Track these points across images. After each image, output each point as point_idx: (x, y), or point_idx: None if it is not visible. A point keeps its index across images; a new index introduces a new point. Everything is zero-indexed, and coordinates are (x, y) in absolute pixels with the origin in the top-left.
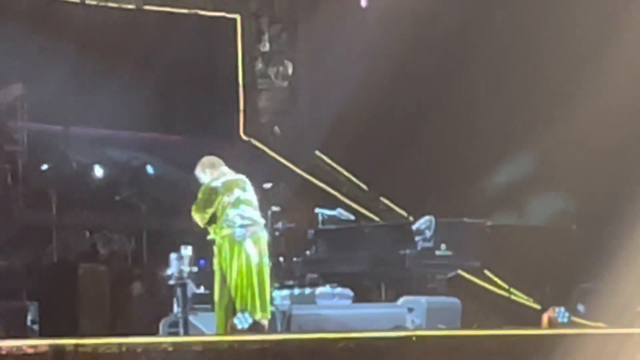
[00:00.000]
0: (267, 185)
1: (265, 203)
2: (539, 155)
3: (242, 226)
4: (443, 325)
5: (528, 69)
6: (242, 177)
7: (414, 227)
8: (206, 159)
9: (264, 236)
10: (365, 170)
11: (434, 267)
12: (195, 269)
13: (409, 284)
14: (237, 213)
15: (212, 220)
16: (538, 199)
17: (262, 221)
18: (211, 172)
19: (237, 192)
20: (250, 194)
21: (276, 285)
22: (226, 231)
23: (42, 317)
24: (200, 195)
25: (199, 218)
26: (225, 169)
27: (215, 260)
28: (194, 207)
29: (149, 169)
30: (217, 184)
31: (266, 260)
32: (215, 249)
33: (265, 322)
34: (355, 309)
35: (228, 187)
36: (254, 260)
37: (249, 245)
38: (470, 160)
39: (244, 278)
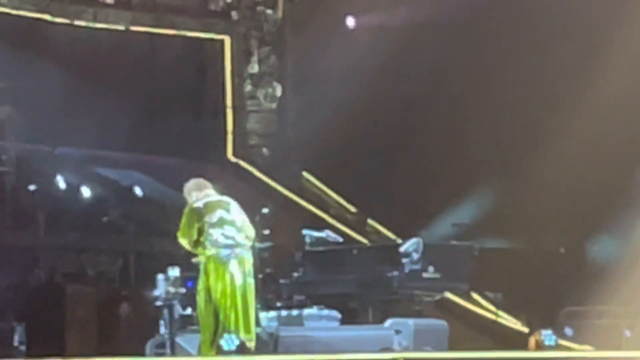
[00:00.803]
0: (265, 210)
1: (255, 224)
2: (527, 179)
3: (227, 246)
4: (430, 348)
5: (515, 92)
6: (227, 198)
7: (402, 249)
8: (192, 182)
9: (248, 258)
10: (353, 192)
11: (422, 289)
12: (182, 290)
13: (397, 306)
14: (220, 233)
15: (197, 241)
16: (526, 222)
17: (246, 242)
18: (196, 194)
19: (219, 213)
20: (234, 215)
21: (264, 306)
22: (210, 251)
23: (29, 338)
24: (183, 218)
25: (184, 240)
26: (210, 191)
27: (200, 281)
28: (179, 231)
29: (137, 190)
30: (199, 204)
31: (250, 281)
32: (200, 269)
33: (251, 344)
34: (342, 331)
35: (210, 207)
36: (238, 281)
37: (233, 266)
38: (458, 182)
39: (228, 299)
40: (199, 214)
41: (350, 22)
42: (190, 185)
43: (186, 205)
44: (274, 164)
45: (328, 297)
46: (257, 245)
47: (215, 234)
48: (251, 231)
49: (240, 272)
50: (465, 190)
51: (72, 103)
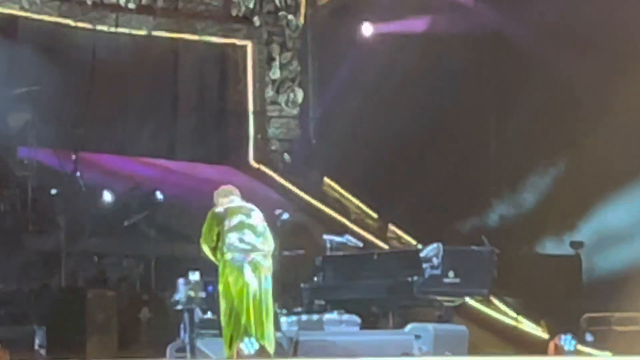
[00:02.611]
0: (285, 216)
1: (275, 230)
2: (548, 184)
3: (241, 251)
4: (450, 353)
5: (536, 99)
6: (250, 205)
7: (422, 254)
8: (221, 189)
9: (265, 263)
10: (374, 197)
11: (442, 294)
12: (203, 294)
13: (417, 311)
14: (237, 237)
15: (216, 247)
16: (547, 226)
17: (265, 248)
18: (222, 200)
19: (239, 217)
20: (255, 220)
21: (284, 311)
22: (227, 256)
23: (50, 342)
24: (205, 223)
25: (205, 246)
26: (235, 197)
27: (220, 285)
28: (201, 236)
29: (158, 195)
30: (220, 209)
31: (267, 288)
32: (219, 272)
33: (270, 349)
34: (362, 336)
35: (231, 212)
36: (252, 286)
37: (247, 271)
38: (478, 188)
39: (243, 303)
40: (218, 219)
41: (370, 29)
42: (219, 192)
43: (207, 209)
44: (295, 170)
45: (348, 302)
46: (286, 253)
47: (232, 237)
48: (272, 238)
49: (255, 278)
50: (486, 196)
51: (94, 108)
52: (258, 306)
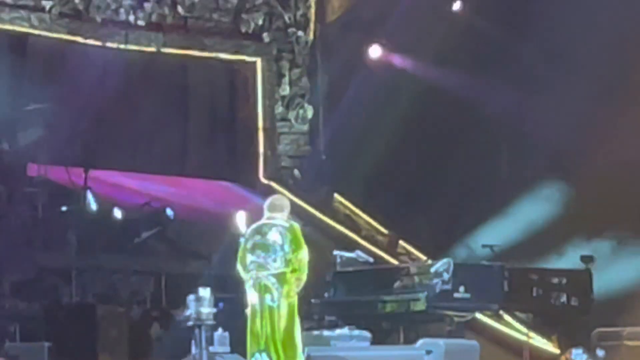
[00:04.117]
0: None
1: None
2: (557, 199)
3: (251, 271)
4: None
5: (545, 115)
6: (273, 222)
7: (433, 269)
8: (269, 200)
9: (271, 281)
10: (384, 213)
11: (453, 309)
12: (213, 310)
13: (427, 326)
14: (251, 259)
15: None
16: (557, 241)
17: (275, 266)
18: (265, 213)
19: (256, 238)
20: (271, 238)
21: None
22: (245, 276)
23: (60, 358)
24: None
25: (239, 265)
26: (271, 213)
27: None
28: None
29: (169, 212)
30: (248, 230)
31: (271, 305)
32: None
33: None
34: (373, 351)
35: (252, 232)
36: (257, 305)
37: (254, 291)
38: (488, 204)
39: (255, 322)
40: (245, 240)
41: (378, 50)
42: (267, 203)
43: (220, 226)
44: (305, 186)
45: (358, 317)
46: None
47: (250, 258)
48: (287, 258)
49: (259, 296)
50: (496, 212)
51: (104, 124)
52: (268, 324)
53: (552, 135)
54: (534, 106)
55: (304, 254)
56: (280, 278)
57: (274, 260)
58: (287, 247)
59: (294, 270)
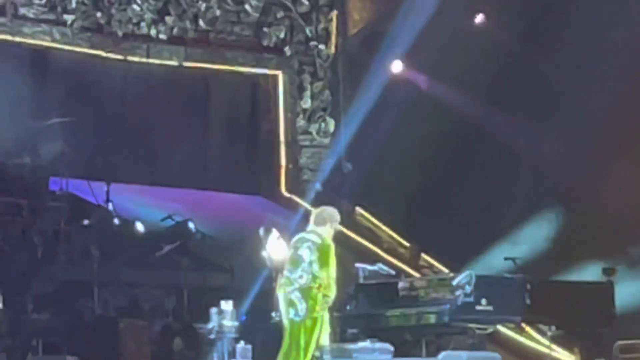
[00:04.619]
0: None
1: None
2: (580, 211)
3: (282, 286)
4: None
5: (572, 125)
6: (308, 235)
7: (455, 282)
8: (315, 212)
9: (296, 296)
10: (406, 226)
11: (474, 321)
12: (235, 323)
13: (450, 338)
14: (286, 273)
15: None
16: (578, 254)
17: (301, 281)
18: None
19: (291, 252)
20: (300, 253)
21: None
22: (279, 289)
23: None
24: None
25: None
26: (315, 227)
27: None
28: None
29: (190, 225)
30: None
31: (294, 319)
32: None
33: None
34: None
35: (291, 246)
36: (284, 318)
37: (281, 303)
38: (510, 216)
39: (285, 336)
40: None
41: (399, 65)
42: (313, 214)
43: (240, 238)
44: (327, 199)
45: (381, 330)
46: None
47: (285, 273)
48: (313, 273)
49: (285, 309)
50: (518, 224)
51: (125, 138)
52: (294, 337)
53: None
54: (545, 133)
55: (332, 271)
56: (305, 293)
57: (300, 277)
58: (314, 264)
59: (320, 287)
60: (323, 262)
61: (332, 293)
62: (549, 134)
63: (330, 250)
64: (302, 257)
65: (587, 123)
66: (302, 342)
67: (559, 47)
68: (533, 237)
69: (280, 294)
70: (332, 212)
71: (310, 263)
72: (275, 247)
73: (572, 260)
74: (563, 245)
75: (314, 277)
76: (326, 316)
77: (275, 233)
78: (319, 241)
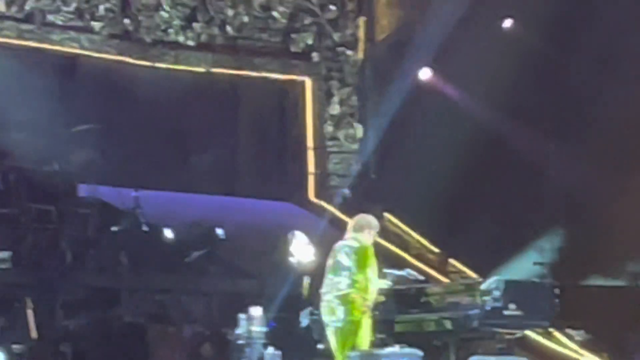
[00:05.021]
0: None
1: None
2: (609, 216)
3: (324, 294)
4: None
5: (599, 129)
6: (346, 242)
7: (483, 287)
8: (354, 220)
9: (335, 303)
10: (434, 232)
11: (503, 326)
12: (264, 329)
13: (478, 343)
14: (326, 280)
15: None
16: (608, 257)
17: (340, 287)
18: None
19: (330, 259)
20: (339, 259)
21: None
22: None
23: None
24: None
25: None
26: (352, 233)
27: None
28: None
29: (219, 232)
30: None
31: (335, 325)
32: None
33: None
34: None
35: (330, 255)
36: (325, 324)
37: (324, 311)
38: (539, 221)
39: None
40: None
41: (427, 72)
42: (351, 223)
43: (269, 245)
44: (355, 205)
45: (409, 336)
46: None
47: (326, 280)
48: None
49: (326, 315)
50: (547, 228)
51: (154, 144)
52: (336, 343)
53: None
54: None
55: (370, 274)
56: (344, 299)
57: (339, 282)
58: (353, 268)
59: (359, 290)
60: (360, 265)
61: (371, 296)
62: (576, 142)
63: (367, 253)
64: (341, 263)
65: (613, 133)
66: (341, 347)
67: (588, 53)
68: (560, 243)
69: (322, 300)
70: (370, 219)
71: (349, 267)
72: (303, 253)
73: (600, 265)
74: (591, 251)
75: (353, 282)
76: (366, 321)
77: (303, 239)
78: (356, 245)
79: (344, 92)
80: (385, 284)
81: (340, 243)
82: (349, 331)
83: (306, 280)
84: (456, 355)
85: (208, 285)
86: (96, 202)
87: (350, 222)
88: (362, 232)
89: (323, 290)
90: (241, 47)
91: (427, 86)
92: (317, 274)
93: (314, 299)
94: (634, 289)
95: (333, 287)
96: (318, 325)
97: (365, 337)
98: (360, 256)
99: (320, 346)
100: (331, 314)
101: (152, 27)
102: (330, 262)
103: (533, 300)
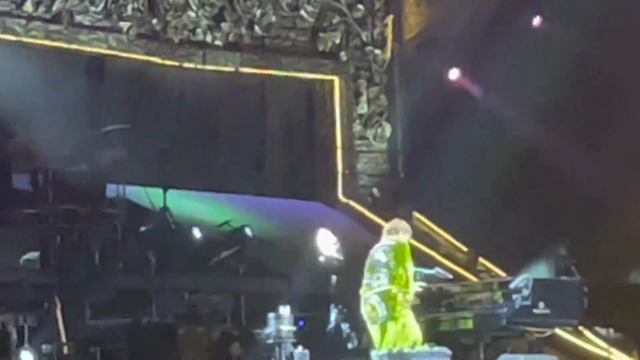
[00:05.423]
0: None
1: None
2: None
3: (362, 293)
4: None
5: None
6: (383, 243)
7: (512, 285)
8: (388, 225)
9: (375, 299)
10: (463, 231)
11: (532, 325)
12: (293, 328)
13: (507, 342)
14: (364, 281)
15: None
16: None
17: (379, 283)
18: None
19: (367, 260)
20: (377, 258)
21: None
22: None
23: None
24: None
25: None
26: (389, 236)
27: None
28: None
29: (247, 231)
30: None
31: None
32: None
33: None
34: None
35: (367, 257)
36: (366, 322)
37: (362, 308)
38: (567, 219)
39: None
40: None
41: (456, 72)
42: (386, 227)
43: (295, 243)
44: (384, 204)
45: (438, 334)
46: None
47: (363, 282)
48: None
49: (365, 312)
50: (575, 227)
51: (182, 144)
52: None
53: None
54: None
55: (409, 268)
56: (384, 296)
57: (378, 278)
58: (391, 264)
59: (400, 286)
60: (399, 261)
61: (412, 291)
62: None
63: (405, 249)
64: (379, 261)
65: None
66: (386, 343)
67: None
68: (589, 241)
69: (361, 299)
70: (403, 223)
71: (387, 264)
72: (332, 252)
73: (628, 264)
74: (620, 249)
75: (392, 278)
76: (410, 316)
77: (332, 238)
78: (392, 243)
79: (372, 91)
80: (419, 285)
81: (377, 245)
82: (392, 327)
83: (334, 279)
84: (485, 354)
85: (237, 284)
86: (124, 202)
87: (385, 226)
88: (397, 234)
89: (362, 290)
90: (269, 46)
91: (455, 85)
92: (345, 273)
93: (342, 298)
94: None
95: (373, 286)
96: (350, 324)
97: (410, 332)
98: (398, 253)
99: (349, 345)
100: (373, 312)
101: (180, 27)
102: (367, 262)
103: (562, 298)
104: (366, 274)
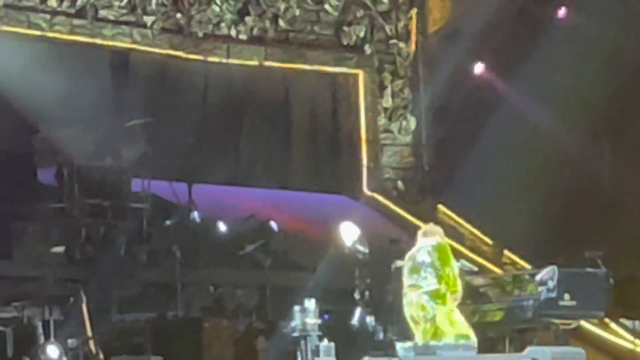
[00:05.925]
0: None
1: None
2: None
3: (406, 294)
4: None
5: None
6: (422, 245)
7: (537, 277)
8: (422, 229)
9: (424, 299)
10: (489, 223)
11: (558, 317)
12: (319, 321)
13: (533, 334)
14: (408, 283)
15: None
16: None
17: (427, 282)
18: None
19: (408, 264)
20: (420, 259)
21: (401, 337)
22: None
23: None
24: None
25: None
26: (427, 239)
27: None
28: None
29: (273, 225)
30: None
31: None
32: None
33: None
34: None
35: (407, 260)
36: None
37: (409, 307)
38: (592, 212)
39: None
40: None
41: (481, 66)
42: (420, 232)
43: (322, 236)
44: (409, 197)
45: None
46: None
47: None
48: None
49: (419, 314)
50: (602, 219)
51: (207, 139)
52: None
53: None
54: None
55: (454, 268)
56: (433, 294)
57: (425, 278)
58: (436, 264)
59: (447, 285)
60: (444, 260)
61: (459, 288)
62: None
63: (447, 249)
64: (422, 262)
65: None
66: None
67: None
68: (615, 233)
69: (408, 298)
70: (437, 227)
71: (432, 264)
72: (357, 245)
73: None
74: None
75: (440, 277)
76: (457, 313)
77: (357, 231)
78: (435, 243)
79: (396, 84)
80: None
81: (414, 248)
82: (442, 327)
83: (360, 272)
84: (511, 346)
85: (262, 278)
86: (149, 197)
87: (420, 231)
88: (433, 236)
89: (405, 291)
90: (293, 40)
91: (480, 78)
92: (370, 266)
93: (365, 291)
94: None
95: (421, 285)
96: (375, 317)
97: (460, 329)
98: (441, 252)
99: (375, 338)
100: (423, 311)
101: (204, 21)
102: (408, 265)
103: (588, 290)
104: (410, 276)
